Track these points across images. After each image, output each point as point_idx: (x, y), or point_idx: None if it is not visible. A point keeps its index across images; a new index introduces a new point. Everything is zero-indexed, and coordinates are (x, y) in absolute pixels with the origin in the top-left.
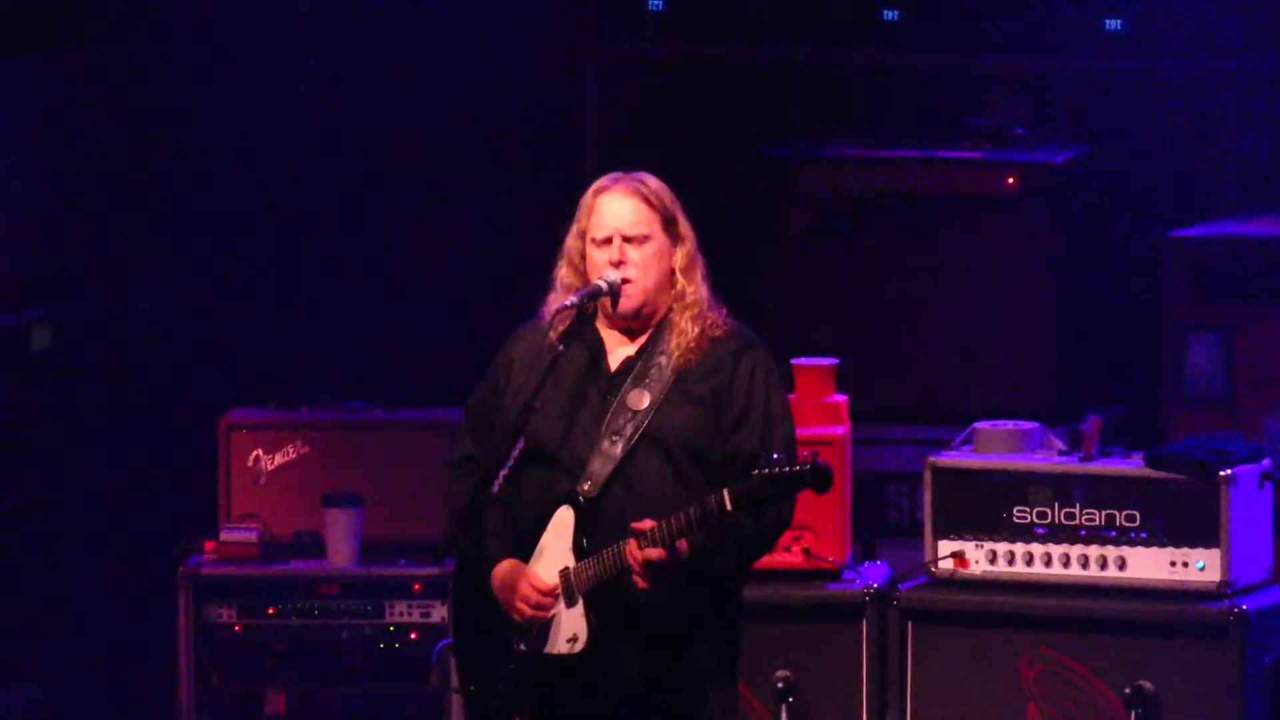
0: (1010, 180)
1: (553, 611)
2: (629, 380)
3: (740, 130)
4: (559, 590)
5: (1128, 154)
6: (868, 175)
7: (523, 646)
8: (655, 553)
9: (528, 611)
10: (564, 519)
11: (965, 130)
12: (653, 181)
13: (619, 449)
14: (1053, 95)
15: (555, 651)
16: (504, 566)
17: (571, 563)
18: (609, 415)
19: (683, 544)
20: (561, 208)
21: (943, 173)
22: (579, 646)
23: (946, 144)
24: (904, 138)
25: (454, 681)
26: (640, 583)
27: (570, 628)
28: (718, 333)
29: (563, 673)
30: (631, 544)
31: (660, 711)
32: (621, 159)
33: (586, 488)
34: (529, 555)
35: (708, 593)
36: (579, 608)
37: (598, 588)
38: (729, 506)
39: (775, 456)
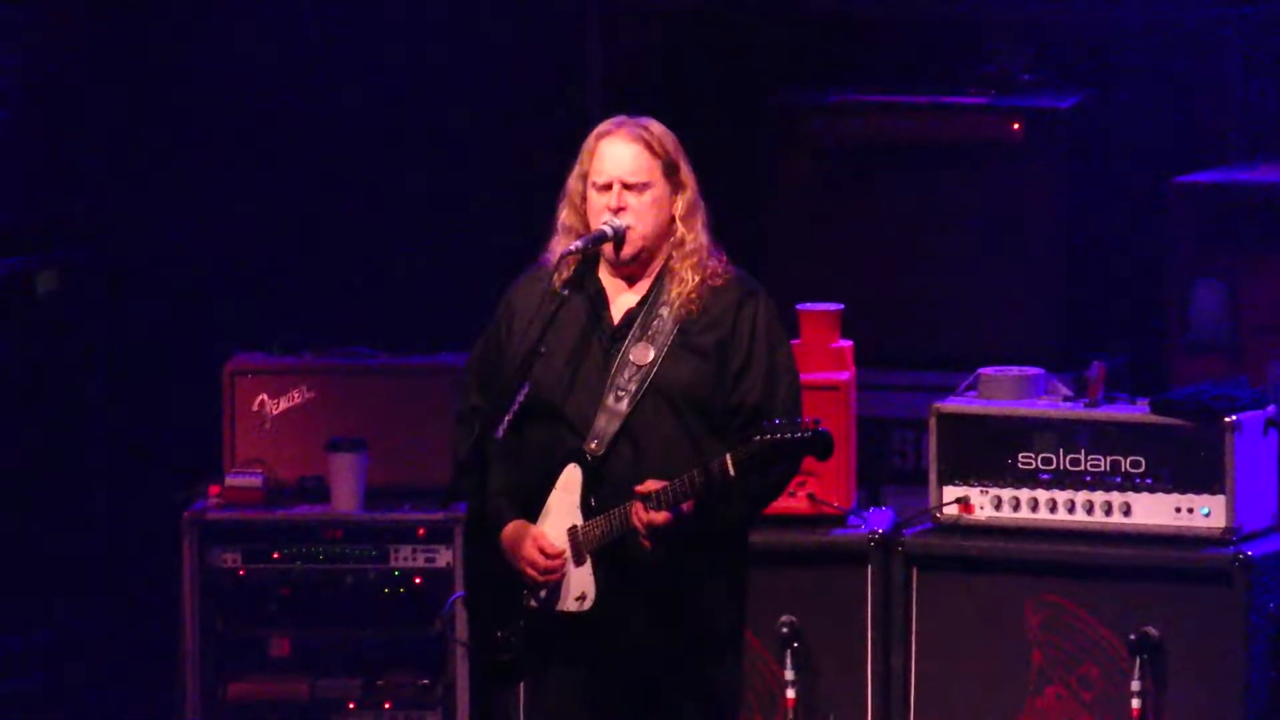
0: (1015, 126)
1: (562, 570)
2: (631, 334)
3: (746, 78)
4: (567, 551)
5: (1133, 100)
6: (873, 122)
7: (534, 603)
8: (661, 516)
9: (537, 576)
10: (571, 477)
11: (971, 76)
12: (656, 127)
13: (625, 405)
14: (1058, 41)
15: (565, 609)
16: (512, 527)
17: (579, 521)
18: (613, 370)
19: (687, 505)
20: (567, 155)
21: (948, 119)
22: (588, 604)
23: (952, 90)
24: (910, 84)
25: (463, 634)
26: (646, 544)
27: (579, 586)
28: (718, 281)
29: (573, 630)
30: (638, 506)
31: (669, 667)
32: (627, 107)
33: (594, 446)
34: (536, 512)
35: (714, 547)
36: (587, 566)
37: (605, 547)
38: (732, 472)
39: (778, 421)
